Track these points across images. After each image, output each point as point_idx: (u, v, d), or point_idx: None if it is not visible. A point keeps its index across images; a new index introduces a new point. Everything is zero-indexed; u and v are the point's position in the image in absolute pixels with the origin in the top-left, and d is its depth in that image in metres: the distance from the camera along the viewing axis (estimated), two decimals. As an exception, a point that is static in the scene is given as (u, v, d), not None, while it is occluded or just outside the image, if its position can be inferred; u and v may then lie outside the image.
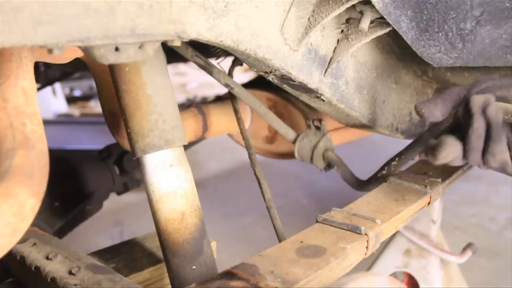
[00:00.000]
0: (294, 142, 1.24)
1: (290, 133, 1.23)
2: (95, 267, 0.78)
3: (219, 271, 0.71)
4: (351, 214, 0.85)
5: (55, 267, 0.79)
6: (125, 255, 0.97)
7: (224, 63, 1.36)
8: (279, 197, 2.82)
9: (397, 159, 1.01)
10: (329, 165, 1.22)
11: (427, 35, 0.86)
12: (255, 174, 1.12)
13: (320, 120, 1.21)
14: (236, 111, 1.24)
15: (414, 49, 0.87)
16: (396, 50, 1.08)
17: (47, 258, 0.81)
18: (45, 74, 2.34)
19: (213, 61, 1.42)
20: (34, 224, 0.94)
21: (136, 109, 0.76)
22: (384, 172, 1.04)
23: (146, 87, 0.75)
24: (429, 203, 0.96)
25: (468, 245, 1.52)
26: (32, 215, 0.58)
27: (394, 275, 1.58)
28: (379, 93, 1.10)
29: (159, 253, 0.93)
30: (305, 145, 1.21)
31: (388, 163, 1.04)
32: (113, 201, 1.92)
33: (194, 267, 0.77)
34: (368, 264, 1.63)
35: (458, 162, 0.75)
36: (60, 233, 1.54)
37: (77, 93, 5.61)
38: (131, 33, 0.58)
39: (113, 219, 2.61)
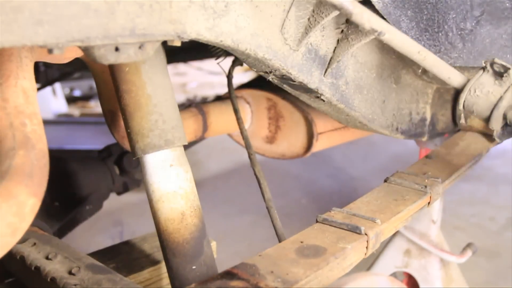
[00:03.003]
0: (461, 90, 0.93)
1: (454, 78, 0.91)
2: (95, 267, 0.79)
3: (219, 271, 0.71)
4: (351, 214, 0.85)
5: (55, 267, 0.79)
6: (125, 255, 0.98)
7: (224, 63, 1.36)
8: (279, 197, 2.82)
9: None
10: (507, 125, 0.94)
11: (427, 35, 0.86)
12: (255, 174, 1.12)
13: (504, 67, 0.89)
14: (236, 111, 1.24)
15: (414, 49, 0.87)
16: (396, 50, 1.08)
17: (47, 258, 0.81)
18: (45, 74, 2.34)
19: (213, 61, 1.42)
20: (34, 224, 0.94)
21: (136, 109, 0.76)
22: None
23: (146, 87, 0.76)
24: (429, 203, 0.96)
25: (468, 245, 1.52)
26: (32, 215, 0.58)
27: (394, 275, 1.58)
28: (379, 93, 1.10)
29: (159, 253, 0.93)
30: (479, 99, 0.90)
31: None
32: (113, 201, 1.92)
33: (194, 267, 0.77)
34: (368, 264, 1.63)
35: None
36: (60, 233, 1.54)
37: (77, 93, 5.61)
38: (131, 33, 0.58)
39: (113, 219, 2.61)
